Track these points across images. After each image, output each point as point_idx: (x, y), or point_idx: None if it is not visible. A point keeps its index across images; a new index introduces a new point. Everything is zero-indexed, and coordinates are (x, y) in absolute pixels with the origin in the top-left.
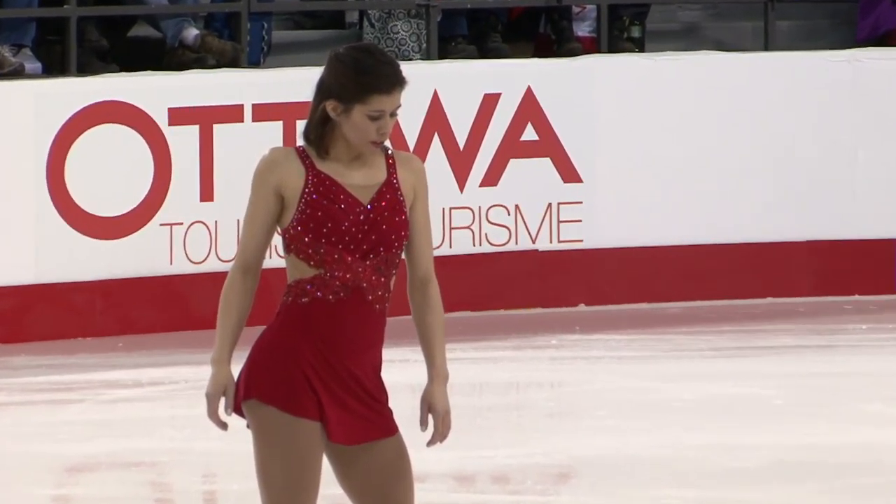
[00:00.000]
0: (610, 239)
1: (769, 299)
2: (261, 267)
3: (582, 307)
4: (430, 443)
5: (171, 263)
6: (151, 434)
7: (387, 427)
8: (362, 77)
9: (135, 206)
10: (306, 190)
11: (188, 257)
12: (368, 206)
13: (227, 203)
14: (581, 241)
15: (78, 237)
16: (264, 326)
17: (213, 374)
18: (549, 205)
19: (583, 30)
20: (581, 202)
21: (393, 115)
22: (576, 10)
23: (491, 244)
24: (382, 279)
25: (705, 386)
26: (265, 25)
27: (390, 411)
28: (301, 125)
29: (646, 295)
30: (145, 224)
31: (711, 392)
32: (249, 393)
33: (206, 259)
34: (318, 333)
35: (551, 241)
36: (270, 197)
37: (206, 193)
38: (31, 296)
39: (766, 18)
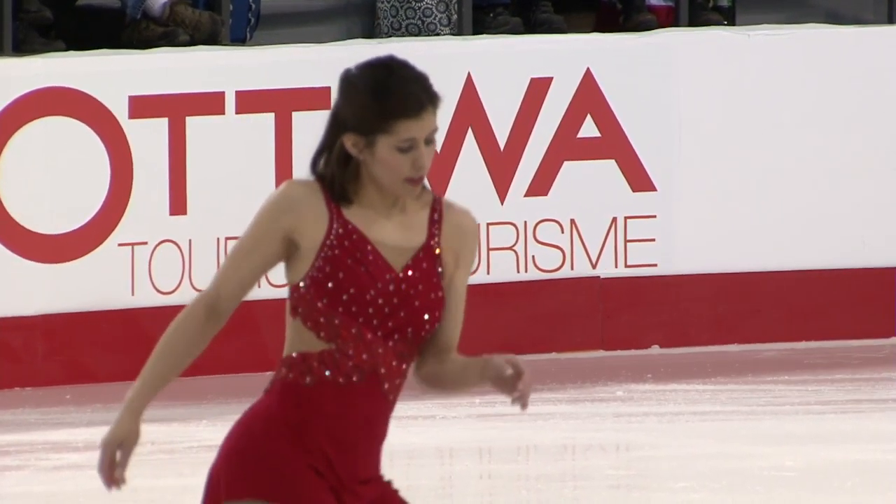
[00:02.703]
0: (691, 263)
1: (894, 339)
2: (230, 313)
3: (655, 349)
4: (516, 400)
5: (132, 294)
6: None
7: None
8: (382, 102)
9: (87, 221)
10: (327, 243)
11: (154, 286)
12: (400, 275)
13: (204, 217)
14: (655, 265)
15: (15, 260)
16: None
17: (120, 420)
18: (615, 220)
19: None
20: (655, 216)
21: (429, 141)
22: None
23: (539, 269)
24: (403, 366)
25: (814, 450)
26: None
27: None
28: (299, 119)
29: (736, 335)
30: (100, 244)
31: (821, 458)
32: (239, 491)
33: (176, 288)
34: (322, 423)
35: (616, 266)
36: (277, 240)
37: (178, 205)
38: None
39: None
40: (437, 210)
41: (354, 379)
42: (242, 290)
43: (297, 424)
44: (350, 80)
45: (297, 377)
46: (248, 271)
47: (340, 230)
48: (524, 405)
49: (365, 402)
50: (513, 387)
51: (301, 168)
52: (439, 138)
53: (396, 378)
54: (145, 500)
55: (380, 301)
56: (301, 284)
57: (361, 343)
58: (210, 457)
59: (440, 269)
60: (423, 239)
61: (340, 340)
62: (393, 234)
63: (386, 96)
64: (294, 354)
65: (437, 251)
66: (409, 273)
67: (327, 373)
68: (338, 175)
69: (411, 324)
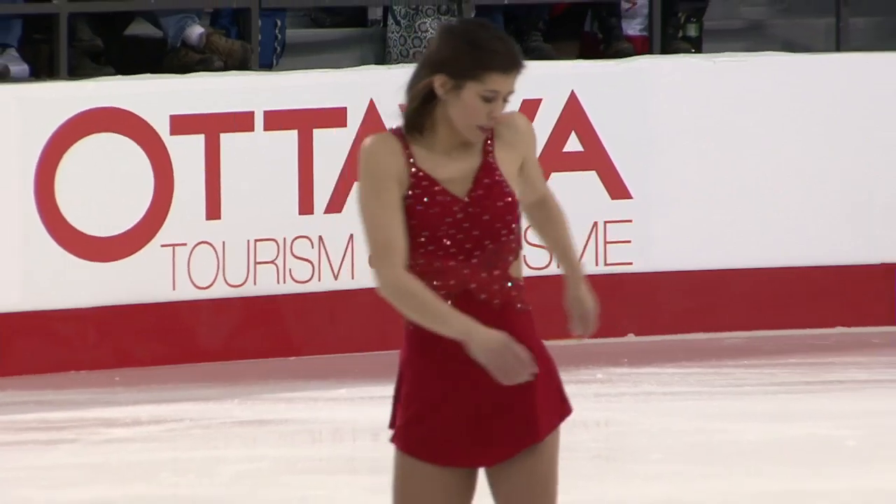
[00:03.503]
0: (663, 262)
1: (839, 329)
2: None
3: (631, 337)
4: (579, 335)
5: (173, 289)
6: (151, 479)
7: (530, 435)
8: (480, 52)
9: (133, 224)
10: (408, 193)
11: (193, 282)
12: (466, 199)
13: (236, 222)
14: (630, 263)
15: (70, 259)
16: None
17: (486, 331)
18: (595, 224)
19: (633, 28)
20: (631, 220)
21: (506, 100)
22: (625, 6)
23: (529, 267)
24: (495, 272)
25: (770, 426)
26: (278, 23)
27: (543, 408)
28: (320, 136)
29: (702, 324)
30: (145, 245)
31: (777, 433)
32: (393, 426)
33: (212, 284)
34: (442, 352)
35: (597, 265)
36: (393, 184)
37: (213, 211)
38: (18, 324)
39: (838, 15)
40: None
41: (449, 303)
42: (405, 234)
43: (428, 364)
44: (451, 30)
45: (410, 322)
46: (395, 213)
47: (414, 179)
48: (580, 336)
49: (473, 317)
50: (578, 324)
51: (321, 180)
52: None
53: (493, 284)
54: (184, 469)
55: (451, 231)
56: None
57: (446, 272)
58: (241, 431)
59: (501, 178)
60: (479, 160)
61: (427, 276)
62: (456, 169)
63: (484, 49)
64: None
65: (493, 161)
66: (474, 194)
67: None
68: (417, 109)
69: (487, 237)
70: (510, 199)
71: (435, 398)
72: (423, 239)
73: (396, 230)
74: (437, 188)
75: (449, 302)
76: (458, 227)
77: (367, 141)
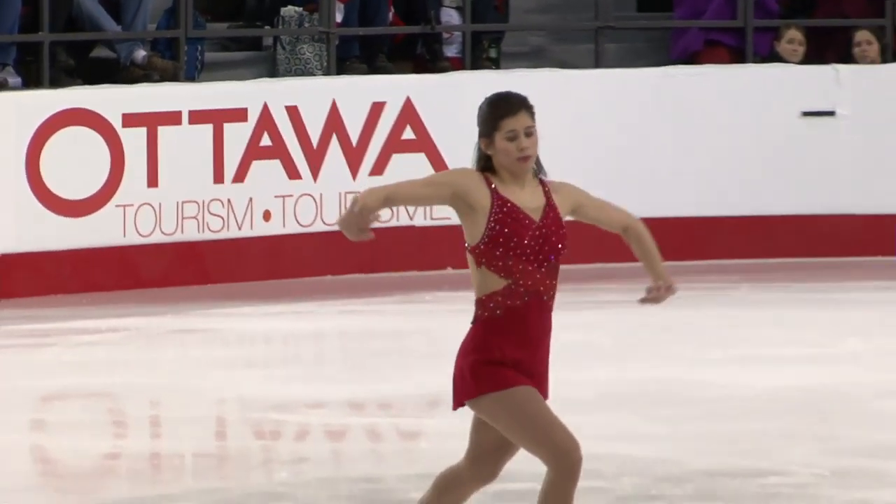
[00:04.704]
0: None
1: (599, 264)
2: (398, 206)
3: (449, 270)
4: (644, 300)
5: (124, 236)
6: (111, 372)
7: (545, 394)
8: (492, 110)
9: (95, 191)
10: (493, 210)
11: (138, 231)
12: (540, 223)
13: (169, 189)
14: (449, 218)
15: (50, 216)
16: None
17: (352, 205)
18: None
19: (451, 51)
20: None
21: (528, 134)
22: (445, 35)
23: (379, 221)
24: (553, 282)
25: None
26: (199, 48)
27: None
28: (228, 128)
29: None
30: (104, 205)
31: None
32: (481, 388)
33: (151, 233)
34: (512, 336)
35: (425, 218)
36: (447, 189)
37: (153, 180)
38: (13, 262)
39: (596, 42)
40: (545, 185)
41: (526, 299)
42: (405, 202)
43: (498, 344)
44: (481, 107)
45: (490, 313)
46: (422, 188)
47: (499, 201)
48: (645, 301)
49: (535, 310)
50: (651, 291)
51: (229, 159)
52: (315, 139)
53: (551, 290)
54: (133, 365)
55: (532, 243)
56: (481, 244)
57: (526, 273)
58: (174, 338)
59: (559, 214)
60: (544, 200)
61: (514, 276)
62: (528, 200)
63: (493, 107)
64: (483, 297)
65: (554, 203)
66: (544, 221)
67: (508, 302)
68: (483, 167)
69: (552, 252)
70: (564, 230)
71: (506, 363)
72: (512, 244)
73: (408, 194)
74: (519, 210)
75: (526, 299)
76: (535, 241)
77: (463, 168)
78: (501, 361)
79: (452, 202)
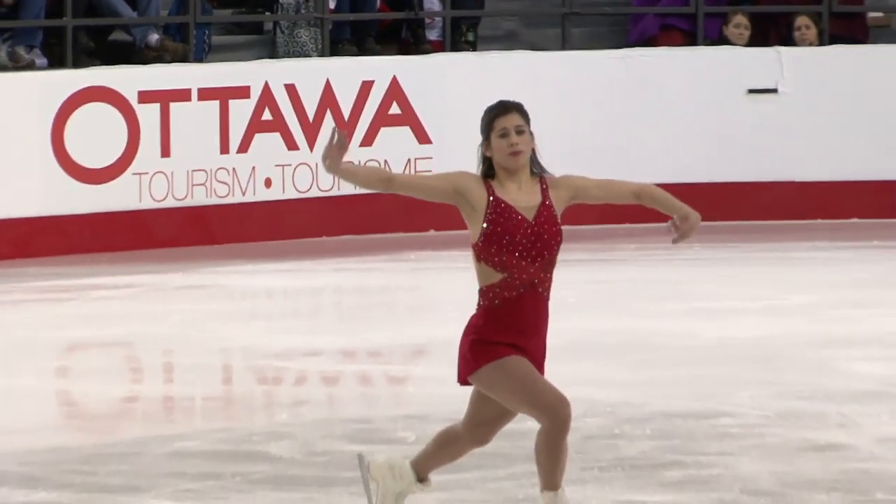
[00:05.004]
0: None
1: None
2: (396, 192)
3: (432, 232)
4: (677, 239)
5: (139, 201)
6: (125, 323)
7: (541, 370)
8: (486, 114)
9: (114, 160)
10: (489, 210)
11: (152, 197)
12: (533, 222)
13: (181, 158)
14: None
15: (73, 182)
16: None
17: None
18: (409, 160)
19: (433, 35)
20: (431, 157)
21: (520, 132)
22: (428, 21)
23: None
24: (548, 275)
25: None
26: (206, 32)
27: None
28: (233, 104)
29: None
30: (122, 173)
31: None
32: (479, 363)
33: (165, 198)
34: (509, 324)
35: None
36: (450, 186)
37: (165, 151)
38: (38, 225)
39: (563, 27)
40: (544, 182)
41: (522, 290)
42: (405, 190)
43: (496, 330)
44: (482, 115)
45: (490, 303)
46: (427, 180)
47: (495, 202)
48: (675, 241)
49: (531, 302)
50: (678, 228)
51: (234, 132)
52: (311, 114)
53: (546, 283)
54: (148, 317)
55: (524, 240)
56: (480, 241)
57: (521, 268)
58: (183, 293)
59: (555, 213)
60: (540, 199)
61: (509, 270)
62: (523, 199)
63: (490, 110)
64: (483, 287)
65: (549, 202)
66: (538, 220)
67: (505, 293)
68: (485, 169)
69: (546, 248)
70: (558, 227)
71: (505, 343)
72: (506, 241)
73: (408, 181)
74: (513, 209)
75: (521, 290)
76: (529, 238)
77: (466, 171)
78: (498, 342)
79: (455, 198)
